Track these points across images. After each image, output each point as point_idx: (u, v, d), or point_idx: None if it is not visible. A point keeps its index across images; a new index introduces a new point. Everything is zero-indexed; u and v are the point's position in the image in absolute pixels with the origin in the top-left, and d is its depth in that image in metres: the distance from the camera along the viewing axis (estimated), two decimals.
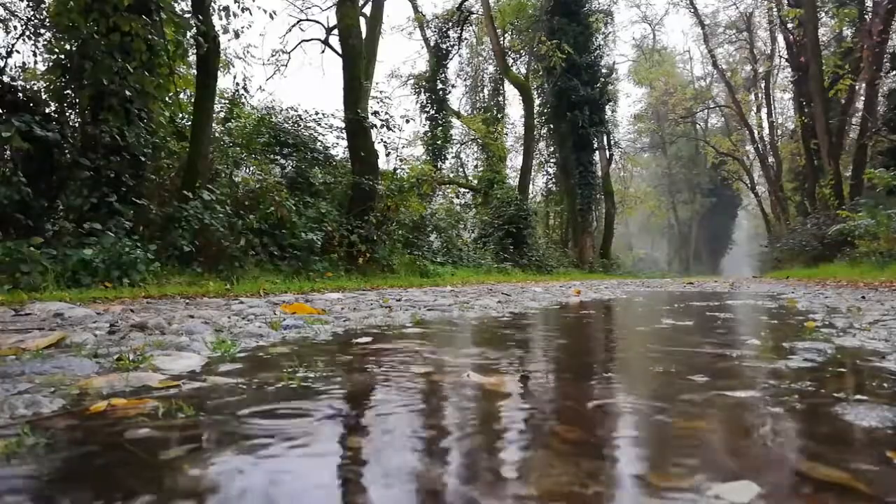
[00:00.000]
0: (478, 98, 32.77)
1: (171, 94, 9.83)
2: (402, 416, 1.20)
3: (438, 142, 27.47)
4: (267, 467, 0.88)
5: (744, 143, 40.06)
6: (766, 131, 35.71)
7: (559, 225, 33.02)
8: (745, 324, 3.61)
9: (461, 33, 29.71)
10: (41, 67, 8.55)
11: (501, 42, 27.33)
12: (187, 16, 8.96)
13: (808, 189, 25.02)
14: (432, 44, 29.20)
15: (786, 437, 1.05)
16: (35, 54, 8.57)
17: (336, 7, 14.45)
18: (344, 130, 13.39)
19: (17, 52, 8.20)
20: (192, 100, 10.52)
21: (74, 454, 0.95)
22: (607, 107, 30.76)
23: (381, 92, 14.61)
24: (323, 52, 27.74)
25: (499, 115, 30.26)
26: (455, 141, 29.96)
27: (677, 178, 56.01)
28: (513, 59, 30.15)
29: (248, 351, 2.12)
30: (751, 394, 1.39)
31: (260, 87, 31.60)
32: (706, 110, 44.89)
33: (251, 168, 12.44)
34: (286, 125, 13.84)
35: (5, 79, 7.56)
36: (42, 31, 8.49)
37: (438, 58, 28.68)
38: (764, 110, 36.71)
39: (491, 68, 31.69)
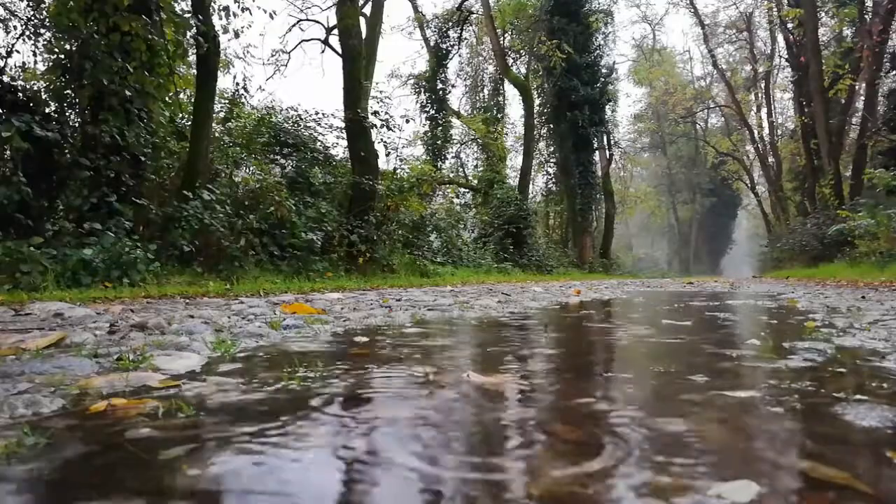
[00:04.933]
0: (478, 98, 32.74)
1: (171, 94, 9.83)
2: (403, 415, 1.20)
3: (438, 142, 27.47)
4: (267, 467, 0.88)
5: (744, 143, 40.06)
6: (766, 131, 35.73)
7: (559, 225, 33.02)
8: (744, 324, 3.61)
9: (461, 33, 29.69)
10: (41, 67, 8.55)
11: (501, 42, 27.33)
12: (187, 16, 8.96)
13: (808, 189, 25.03)
14: (432, 44, 29.17)
15: (786, 437, 1.05)
16: (35, 54, 8.57)
17: (336, 7, 14.46)
18: (344, 130, 13.39)
19: (17, 52, 8.19)
20: (192, 100, 10.52)
21: (74, 454, 0.95)
22: (607, 107, 30.78)
23: (381, 92, 14.63)
24: (323, 52, 27.67)
25: (499, 115, 30.23)
26: (455, 141, 29.94)
27: (677, 178, 56.03)
28: (513, 59, 30.13)
29: (248, 351, 2.12)
30: (751, 394, 1.39)
31: (260, 87, 31.46)
32: (706, 110, 44.89)
33: (251, 168, 12.44)
34: (286, 125, 13.83)
35: (5, 79, 7.56)
36: (42, 31, 8.48)
37: (438, 58, 28.66)
38: (764, 110, 36.75)
39: (491, 68, 31.67)
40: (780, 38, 30.63)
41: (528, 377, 1.65)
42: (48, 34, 8.44)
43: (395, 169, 15.34)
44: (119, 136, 7.66)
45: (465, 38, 30.69)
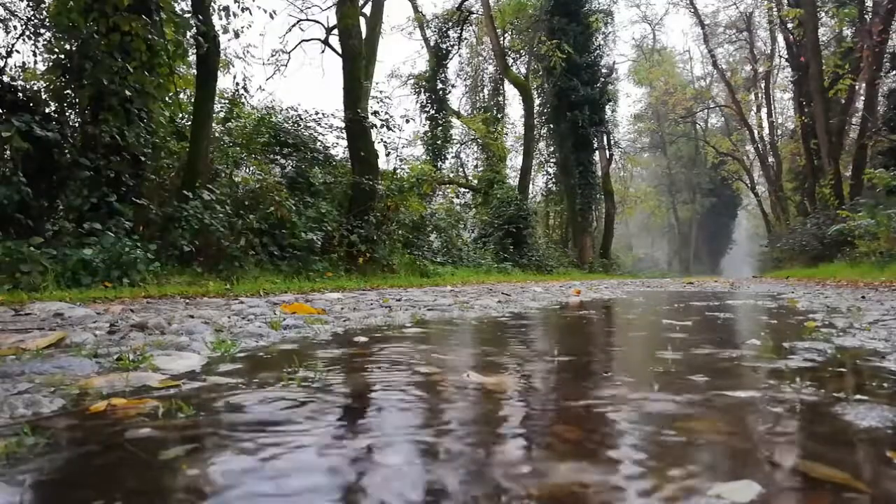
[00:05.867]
0: (478, 98, 32.75)
1: (171, 94, 9.83)
2: (403, 416, 1.20)
3: (438, 142, 27.47)
4: (267, 468, 0.88)
5: (744, 143, 40.05)
6: (766, 131, 35.72)
7: (559, 225, 33.01)
8: (745, 324, 3.61)
9: (461, 33, 29.69)
10: (41, 67, 8.55)
11: (501, 42, 27.33)
12: (187, 16, 8.96)
13: (808, 189, 25.02)
14: (432, 44, 29.18)
15: (785, 437, 1.05)
16: (35, 54, 8.56)
17: (336, 7, 14.46)
18: (344, 130, 13.40)
19: (17, 52, 8.19)
20: (192, 100, 10.52)
21: (74, 454, 0.95)
22: (607, 107, 30.77)
23: (381, 92, 14.65)
24: (323, 52, 27.68)
25: (499, 115, 30.24)
26: (455, 141, 29.94)
27: (677, 178, 56.01)
28: (513, 59, 30.13)
29: (248, 351, 2.12)
30: (751, 394, 1.39)
31: (260, 87, 31.37)
32: (706, 110, 44.88)
33: (251, 168, 12.44)
34: (286, 125, 13.83)
35: (5, 79, 7.56)
36: (42, 31, 8.48)
37: (438, 58, 28.67)
38: (764, 110, 36.74)
39: (491, 68, 31.69)
40: (780, 38, 30.63)
41: (528, 377, 1.65)
42: (48, 34, 8.44)
43: (395, 169, 15.35)
44: (119, 136, 7.66)
45: (465, 38, 30.73)
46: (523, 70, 30.00)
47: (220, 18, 9.62)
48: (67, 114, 8.06)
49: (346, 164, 13.95)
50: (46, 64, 8.19)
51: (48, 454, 0.94)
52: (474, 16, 29.18)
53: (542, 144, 31.94)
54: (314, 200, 12.03)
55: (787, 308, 4.58)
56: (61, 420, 1.14)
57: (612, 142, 34.13)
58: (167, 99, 9.89)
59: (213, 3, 9.59)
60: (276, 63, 23.07)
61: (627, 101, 61.12)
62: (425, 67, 29.29)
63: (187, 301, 5.20)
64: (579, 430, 1.09)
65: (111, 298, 5.18)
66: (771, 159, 34.41)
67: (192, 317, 3.27)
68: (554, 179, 32.34)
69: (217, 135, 11.75)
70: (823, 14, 23.77)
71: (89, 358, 1.76)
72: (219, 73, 10.39)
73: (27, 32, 8.38)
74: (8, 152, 6.96)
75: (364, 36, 14.55)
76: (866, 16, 20.89)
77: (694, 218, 56.48)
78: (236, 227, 9.08)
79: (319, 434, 1.06)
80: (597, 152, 30.89)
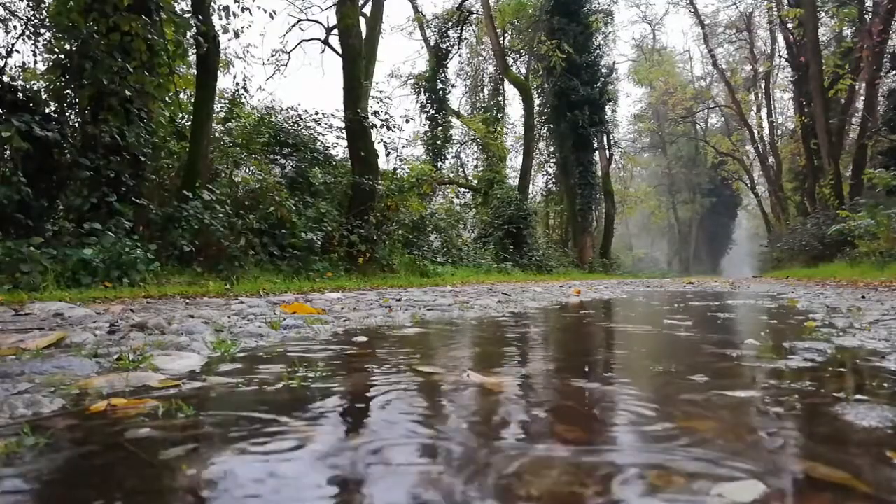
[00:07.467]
0: (478, 98, 32.75)
1: (171, 94, 9.83)
2: (402, 416, 1.20)
3: (438, 142, 27.48)
4: (267, 468, 0.88)
5: (744, 143, 40.09)
6: (766, 131, 35.76)
7: (559, 225, 33.03)
8: (745, 324, 3.61)
9: (461, 33, 29.70)
10: (41, 67, 8.55)
11: (501, 42, 27.33)
12: (187, 16, 8.96)
13: (808, 189, 25.05)
14: (432, 44, 29.18)
15: (786, 437, 1.05)
16: (35, 54, 8.57)
17: (336, 7, 14.46)
18: (344, 130, 13.40)
19: (17, 52, 8.19)
20: (192, 100, 10.53)
21: (74, 454, 0.95)
22: (607, 107, 30.77)
23: (381, 92, 14.65)
24: (323, 52, 27.70)
25: (499, 115, 30.23)
26: (455, 141, 29.95)
27: (677, 178, 56.05)
28: (513, 59, 30.14)
29: (248, 351, 2.11)
30: (751, 394, 1.39)
31: (260, 87, 31.48)
32: (706, 110, 44.92)
33: (251, 168, 12.44)
34: (286, 125, 13.83)
35: (5, 79, 7.56)
36: (42, 31, 8.48)
37: (438, 58, 28.67)
38: (764, 110, 36.79)
39: (491, 68, 31.68)
40: (780, 38, 30.66)
41: (527, 377, 1.65)
42: (48, 34, 8.44)
43: (395, 169, 15.35)
44: (119, 136, 7.66)
45: (465, 38, 30.73)
46: (523, 70, 30.01)
47: (220, 18, 9.63)
48: (67, 114, 8.06)
49: (346, 164, 13.95)
50: (46, 64, 8.19)
51: (48, 454, 0.94)
52: (474, 16, 29.19)
53: (542, 144, 31.95)
54: (314, 200, 12.04)
55: (787, 308, 4.58)
56: (61, 420, 1.14)
57: (612, 142, 34.15)
58: (167, 99, 9.89)
59: (213, 3, 9.59)
60: (276, 63, 23.08)
61: (627, 101, 61.30)
62: (425, 67, 29.29)
63: (187, 301, 5.20)
64: (579, 431, 1.09)
65: (111, 298, 5.18)
66: (771, 159, 34.44)
67: (192, 317, 3.27)
68: (554, 179, 32.36)
69: (217, 135, 11.75)
70: (823, 14, 23.79)
71: (89, 358, 1.76)
72: (219, 73, 10.40)
73: (27, 32, 8.38)
74: (8, 152, 6.96)
75: (364, 36, 14.54)
76: (866, 16, 20.90)
77: (694, 218, 56.51)
78: (236, 227, 9.08)
79: (320, 434, 1.05)
80: (597, 152, 30.90)
